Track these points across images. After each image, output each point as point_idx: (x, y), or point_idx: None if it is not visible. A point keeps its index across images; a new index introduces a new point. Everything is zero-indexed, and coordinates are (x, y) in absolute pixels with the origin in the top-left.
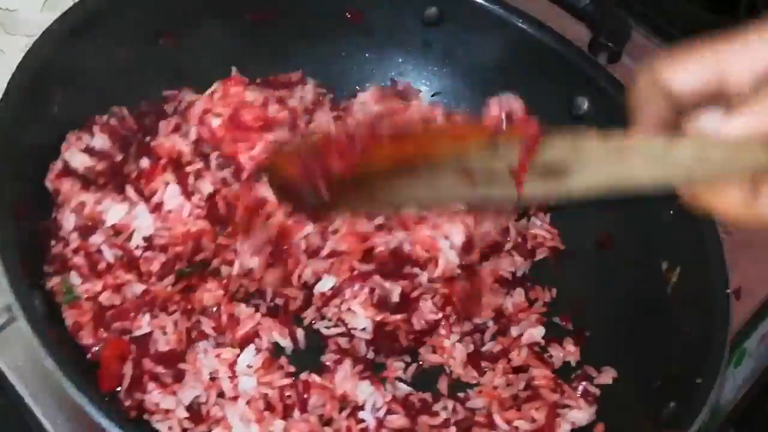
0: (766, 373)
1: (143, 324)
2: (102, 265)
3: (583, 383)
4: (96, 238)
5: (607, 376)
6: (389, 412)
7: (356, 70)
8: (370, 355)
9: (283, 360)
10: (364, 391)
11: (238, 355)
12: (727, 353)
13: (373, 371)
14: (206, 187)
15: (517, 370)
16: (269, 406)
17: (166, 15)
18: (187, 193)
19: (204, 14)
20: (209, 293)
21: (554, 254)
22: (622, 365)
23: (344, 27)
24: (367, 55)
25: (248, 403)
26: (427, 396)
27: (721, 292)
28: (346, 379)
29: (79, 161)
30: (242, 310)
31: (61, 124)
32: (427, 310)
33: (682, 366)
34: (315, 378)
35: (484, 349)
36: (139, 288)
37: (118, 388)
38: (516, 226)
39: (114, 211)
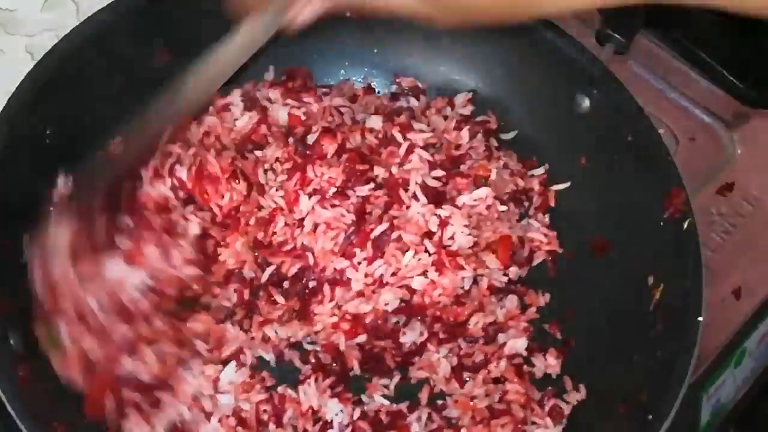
0: (766, 373)
1: (125, 366)
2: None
3: (553, 400)
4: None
5: (581, 394)
6: (355, 430)
7: (358, 68)
8: (357, 371)
9: (265, 373)
10: (331, 409)
11: (222, 371)
12: (682, 393)
13: (350, 385)
14: (194, 228)
15: (496, 380)
16: (242, 422)
17: (161, 31)
18: (169, 254)
19: (199, 23)
20: (200, 324)
21: (552, 258)
22: (597, 383)
23: (344, 25)
24: (369, 52)
25: (220, 420)
26: (404, 406)
27: (693, 321)
28: (312, 395)
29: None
30: (229, 329)
31: (55, 153)
32: (416, 332)
33: (645, 395)
34: (290, 392)
35: (466, 361)
36: (123, 329)
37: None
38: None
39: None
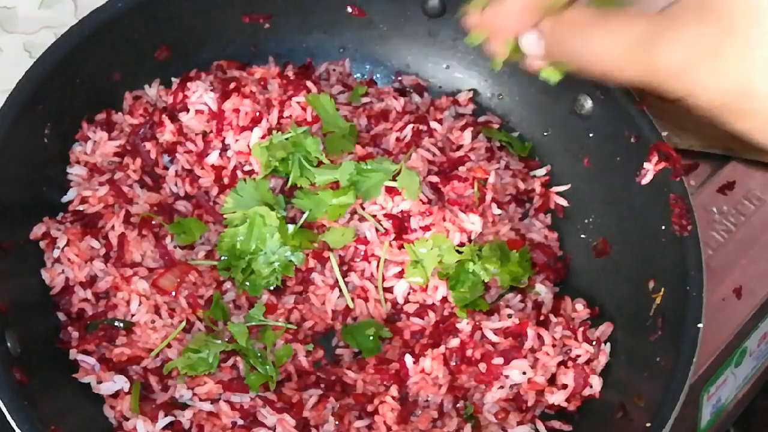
0: (766, 372)
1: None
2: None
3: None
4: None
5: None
6: None
7: (360, 66)
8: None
9: None
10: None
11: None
12: (680, 402)
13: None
14: None
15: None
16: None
17: (159, 28)
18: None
19: (198, 20)
20: None
21: (553, 260)
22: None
23: (346, 22)
24: (371, 49)
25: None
26: None
27: (693, 328)
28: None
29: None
30: None
31: (54, 151)
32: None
33: (644, 401)
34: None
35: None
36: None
37: None
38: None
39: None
